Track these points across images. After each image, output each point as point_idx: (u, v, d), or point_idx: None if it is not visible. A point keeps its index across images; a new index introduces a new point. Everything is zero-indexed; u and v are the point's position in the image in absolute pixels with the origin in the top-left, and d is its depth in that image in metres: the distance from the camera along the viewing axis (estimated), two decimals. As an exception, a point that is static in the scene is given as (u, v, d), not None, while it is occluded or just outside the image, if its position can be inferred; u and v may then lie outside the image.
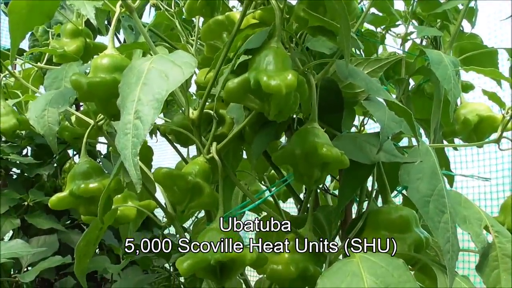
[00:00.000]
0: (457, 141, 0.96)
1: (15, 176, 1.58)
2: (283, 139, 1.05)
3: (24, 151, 1.58)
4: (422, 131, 0.94)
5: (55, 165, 1.56)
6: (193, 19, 1.10)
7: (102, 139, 1.20)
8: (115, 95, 0.56)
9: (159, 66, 0.53)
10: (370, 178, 0.75)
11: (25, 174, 1.54)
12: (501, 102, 0.84)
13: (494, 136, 0.75)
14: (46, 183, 1.55)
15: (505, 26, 1.35)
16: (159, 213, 0.99)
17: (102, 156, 1.53)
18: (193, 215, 1.13)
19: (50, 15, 0.57)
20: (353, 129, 0.94)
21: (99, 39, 1.52)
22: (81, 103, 1.49)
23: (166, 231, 1.71)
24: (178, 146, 0.97)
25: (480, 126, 0.84)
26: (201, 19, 1.05)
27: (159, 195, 0.92)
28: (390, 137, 0.69)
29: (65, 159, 1.57)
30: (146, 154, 1.10)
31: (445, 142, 0.93)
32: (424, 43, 1.01)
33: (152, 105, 0.48)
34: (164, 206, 0.86)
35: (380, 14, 0.98)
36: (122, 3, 0.68)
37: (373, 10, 0.98)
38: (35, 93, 1.03)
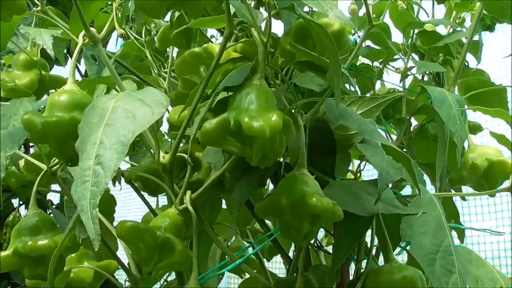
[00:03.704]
0: (467, 189, 0.99)
1: None
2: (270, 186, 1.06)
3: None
4: (427, 177, 0.97)
5: (-5, 218, 1.53)
6: (167, 49, 1.14)
7: (54, 186, 1.20)
8: (73, 136, 0.57)
9: (125, 105, 0.55)
10: (369, 233, 0.77)
11: (-42, 229, 1.49)
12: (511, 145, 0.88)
13: (507, 183, 0.78)
14: (-16, 239, 1.51)
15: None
16: (120, 275, 0.97)
17: (53, 207, 1.52)
18: (162, 277, 1.11)
19: (3, 46, 0.59)
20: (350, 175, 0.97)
21: (56, 69, 1.54)
22: (30, 144, 1.49)
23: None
24: (145, 195, 0.98)
25: (490, 172, 0.87)
26: (176, 49, 1.09)
27: (121, 253, 0.91)
28: (390, 185, 0.71)
29: (8, 211, 1.54)
30: (107, 204, 1.10)
31: (452, 191, 0.96)
32: (426, 79, 1.06)
33: (116, 149, 0.49)
34: (127, 266, 0.85)
35: (377, 47, 1.03)
36: (86, 34, 0.70)
37: (369, 43, 1.03)
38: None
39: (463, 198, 1.23)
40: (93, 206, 0.47)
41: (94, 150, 0.50)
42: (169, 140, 1.22)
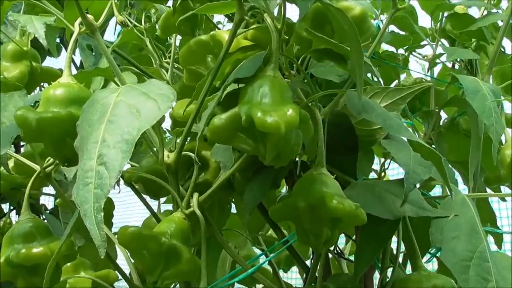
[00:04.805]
0: (504, 189, 0.99)
1: None
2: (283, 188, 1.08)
3: None
4: (459, 176, 0.97)
5: (-17, 224, 1.55)
6: (169, 37, 1.16)
7: (46, 189, 1.22)
8: (71, 134, 0.59)
9: (128, 100, 0.57)
10: (395, 238, 0.78)
11: None
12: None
13: (549, 182, 0.79)
14: (-29, 248, 1.53)
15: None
16: (120, 286, 0.99)
17: (47, 211, 1.54)
18: (167, 288, 1.13)
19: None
20: (373, 175, 0.98)
21: (48, 61, 1.56)
22: (20, 143, 1.51)
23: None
24: (147, 198, 0.99)
25: (531, 170, 0.88)
26: (179, 37, 1.11)
27: (121, 262, 0.93)
28: (418, 185, 0.72)
29: (-2, 216, 1.56)
30: (105, 209, 1.12)
31: (488, 191, 0.97)
32: (457, 67, 1.07)
33: (120, 148, 0.51)
34: (129, 276, 0.87)
35: (402, 32, 1.04)
36: (83, 21, 0.72)
37: (393, 28, 1.04)
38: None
39: (502, 199, 1.24)
40: (97, 210, 0.48)
41: (96, 150, 0.52)
42: (170, 137, 1.24)
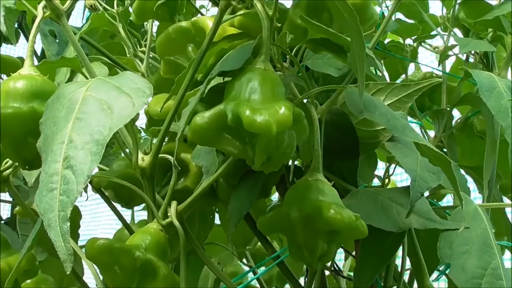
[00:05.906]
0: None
1: None
2: (275, 196, 1.09)
3: None
4: (472, 184, 0.99)
5: None
6: (144, 23, 1.16)
7: (2, 195, 1.22)
8: (33, 132, 0.59)
9: (99, 95, 0.57)
10: (400, 253, 0.79)
11: None
12: None
13: None
14: None
15: None
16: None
17: (2, 221, 1.53)
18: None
19: None
20: (376, 182, 0.99)
21: (4, 48, 1.56)
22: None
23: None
24: (118, 206, 1.00)
25: (552, 177, 0.90)
26: (156, 23, 1.11)
27: (89, 277, 0.93)
28: (426, 194, 0.73)
29: None
30: (71, 218, 1.12)
31: (505, 200, 0.98)
32: (471, 60, 1.08)
33: (89, 149, 0.51)
34: (97, 295, 0.87)
35: (410, 21, 1.05)
36: (47, 4, 0.72)
37: (400, 16, 1.05)
38: None
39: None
40: (63, 219, 0.48)
41: (62, 151, 0.52)
42: (146, 137, 1.25)
